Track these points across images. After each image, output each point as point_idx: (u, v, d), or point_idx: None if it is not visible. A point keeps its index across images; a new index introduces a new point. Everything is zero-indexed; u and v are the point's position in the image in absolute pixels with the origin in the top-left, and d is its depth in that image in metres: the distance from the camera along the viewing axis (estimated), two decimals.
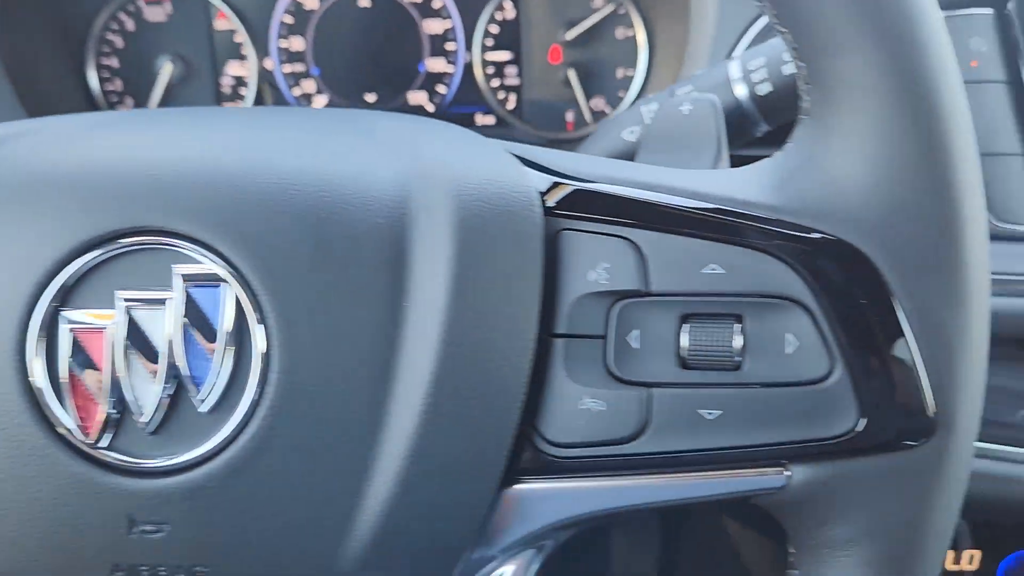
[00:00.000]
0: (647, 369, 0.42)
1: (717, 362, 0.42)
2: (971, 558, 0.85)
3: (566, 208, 0.43)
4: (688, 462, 0.42)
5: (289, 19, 1.02)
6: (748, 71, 0.60)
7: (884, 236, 0.40)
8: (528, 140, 1.03)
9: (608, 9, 0.99)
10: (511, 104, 1.03)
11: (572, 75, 1.00)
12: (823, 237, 0.41)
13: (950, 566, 0.85)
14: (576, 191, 0.44)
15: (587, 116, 1.02)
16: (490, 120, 1.04)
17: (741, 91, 0.60)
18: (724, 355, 0.41)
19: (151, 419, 0.40)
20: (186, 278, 0.40)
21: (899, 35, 0.40)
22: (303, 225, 0.40)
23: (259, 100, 1.03)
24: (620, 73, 1.01)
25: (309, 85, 1.03)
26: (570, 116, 1.03)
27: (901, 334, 0.40)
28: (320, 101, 1.04)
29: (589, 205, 0.43)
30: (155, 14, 1.01)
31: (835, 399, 0.41)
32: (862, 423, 0.41)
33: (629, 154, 0.62)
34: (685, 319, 0.42)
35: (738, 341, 0.41)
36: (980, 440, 0.76)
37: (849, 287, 0.41)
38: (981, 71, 0.80)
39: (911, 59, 0.40)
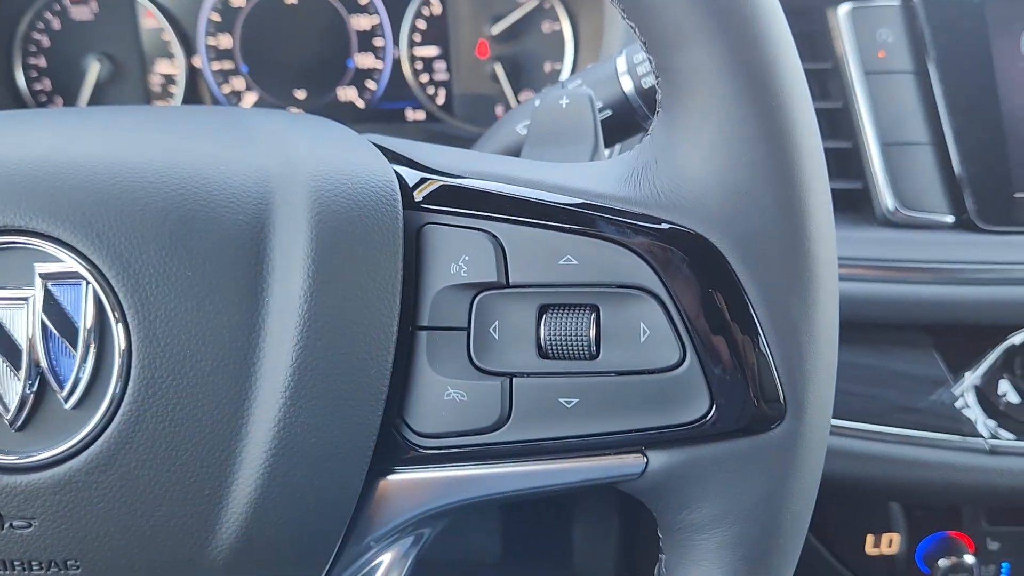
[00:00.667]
0: (507, 359, 0.43)
1: (573, 351, 0.42)
2: (890, 541, 0.86)
3: (430, 202, 0.44)
4: (550, 450, 0.43)
5: (216, 17, 1.02)
6: (634, 64, 0.61)
7: (730, 226, 0.41)
8: (458, 134, 1.03)
9: (533, 3, 1.00)
10: (441, 99, 1.04)
11: (499, 69, 1.00)
12: (672, 228, 0.42)
13: (870, 550, 0.86)
14: (440, 186, 0.44)
15: None
16: (420, 115, 1.05)
17: (628, 84, 0.61)
18: (580, 344, 0.42)
19: (15, 416, 0.41)
20: (47, 276, 0.41)
21: (738, 27, 0.40)
22: (162, 223, 0.41)
23: (189, 98, 1.03)
24: (548, 67, 1.02)
25: (238, 82, 1.03)
26: (499, 110, 1.03)
27: (749, 322, 0.41)
28: (250, 98, 1.04)
29: (452, 199, 0.44)
30: (81, 13, 1.01)
31: (687, 386, 0.42)
32: (713, 409, 0.42)
33: (520, 147, 0.63)
34: (543, 310, 0.43)
35: (593, 331, 0.42)
36: (897, 426, 0.78)
37: (698, 276, 0.41)
38: (888, 62, 0.81)
39: (750, 51, 0.40)
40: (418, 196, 0.44)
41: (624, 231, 0.42)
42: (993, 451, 0.76)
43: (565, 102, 0.56)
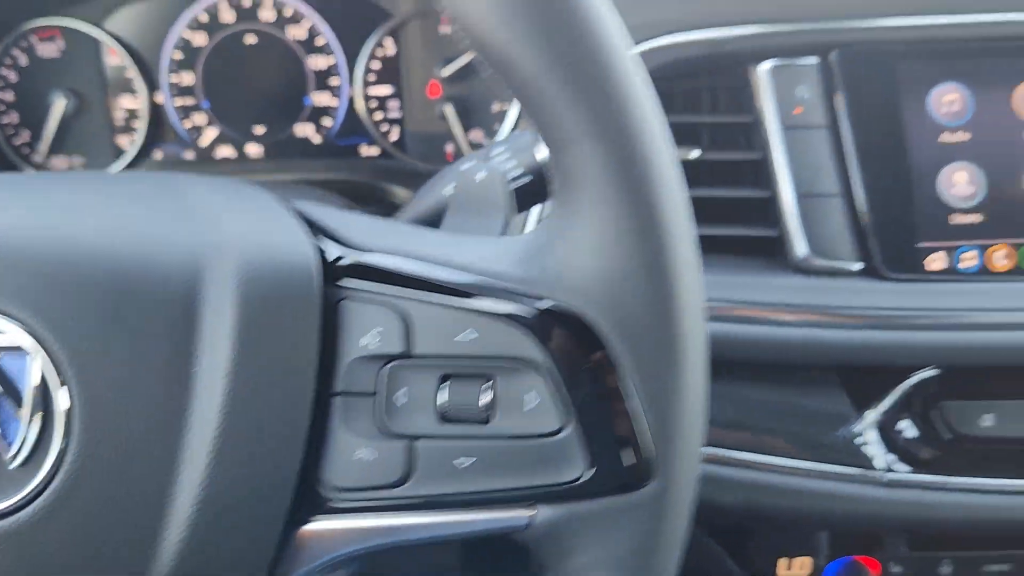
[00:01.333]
0: (411, 423, 0.48)
1: (469, 417, 0.48)
2: (802, 564, 0.92)
3: (347, 277, 0.49)
4: (448, 503, 0.48)
5: (179, 55, 1.06)
6: None
7: (609, 308, 0.46)
8: (410, 170, 1.08)
9: None
10: (394, 136, 1.09)
11: (449, 110, 1.05)
12: (558, 307, 0.47)
13: (783, 572, 0.92)
14: (356, 263, 0.50)
15: (464, 148, 1.07)
16: (374, 151, 1.10)
17: (542, 154, 0.66)
18: (475, 411, 0.48)
19: None
20: None
21: (616, 131, 0.45)
22: (102, 299, 0.46)
23: (152, 132, 1.08)
24: (496, 107, 1.07)
25: (200, 118, 1.08)
26: (449, 148, 1.09)
27: (624, 395, 0.47)
28: (211, 133, 1.08)
29: (367, 276, 0.49)
30: (48, 50, 1.05)
31: (568, 449, 0.47)
32: (590, 471, 0.47)
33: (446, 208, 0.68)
34: (445, 378, 0.48)
35: (488, 398, 0.48)
36: (804, 459, 0.83)
37: (579, 352, 0.47)
38: (805, 117, 0.86)
39: (628, 154, 0.46)
40: (336, 272, 0.49)
41: (517, 309, 0.47)
42: (890, 484, 0.81)
43: (481, 176, 0.61)
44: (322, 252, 0.50)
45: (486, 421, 0.48)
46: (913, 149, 0.85)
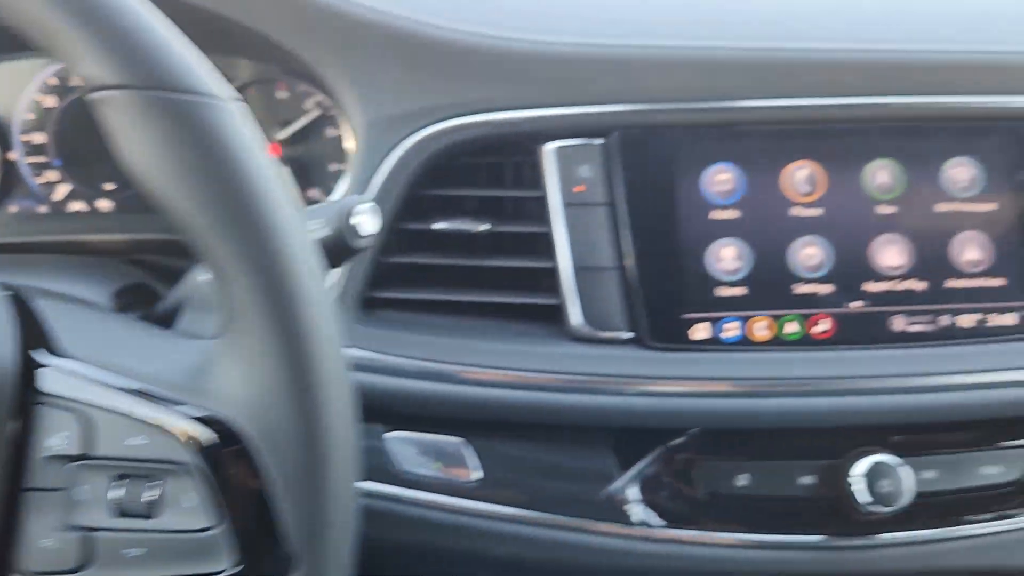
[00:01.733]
0: (89, 517, 0.55)
1: (139, 513, 0.54)
2: None
3: (44, 382, 0.56)
4: None
5: (31, 116, 1.12)
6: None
7: (257, 421, 0.53)
8: None
9: (317, 112, 1.11)
10: None
11: (286, 170, 1.11)
12: (212, 417, 0.54)
13: None
14: (54, 371, 0.56)
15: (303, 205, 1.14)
16: None
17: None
18: (142, 508, 0.54)
19: None
20: None
21: (260, 270, 0.52)
22: None
23: (6, 188, 1.14)
24: (333, 167, 1.13)
25: (52, 175, 1.14)
26: None
27: (271, 498, 0.53)
28: (63, 189, 1.14)
29: (61, 381, 0.56)
30: None
31: (218, 544, 0.54)
32: (239, 564, 0.54)
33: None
34: (119, 477, 0.55)
35: (153, 496, 0.54)
36: (573, 515, 0.90)
37: (234, 459, 0.53)
38: (586, 195, 0.93)
39: (273, 291, 0.52)
40: (36, 379, 0.56)
41: (178, 417, 0.54)
42: (648, 539, 0.88)
43: (204, 278, 0.68)
44: (28, 359, 0.56)
45: (153, 517, 0.54)
46: (684, 225, 0.92)
